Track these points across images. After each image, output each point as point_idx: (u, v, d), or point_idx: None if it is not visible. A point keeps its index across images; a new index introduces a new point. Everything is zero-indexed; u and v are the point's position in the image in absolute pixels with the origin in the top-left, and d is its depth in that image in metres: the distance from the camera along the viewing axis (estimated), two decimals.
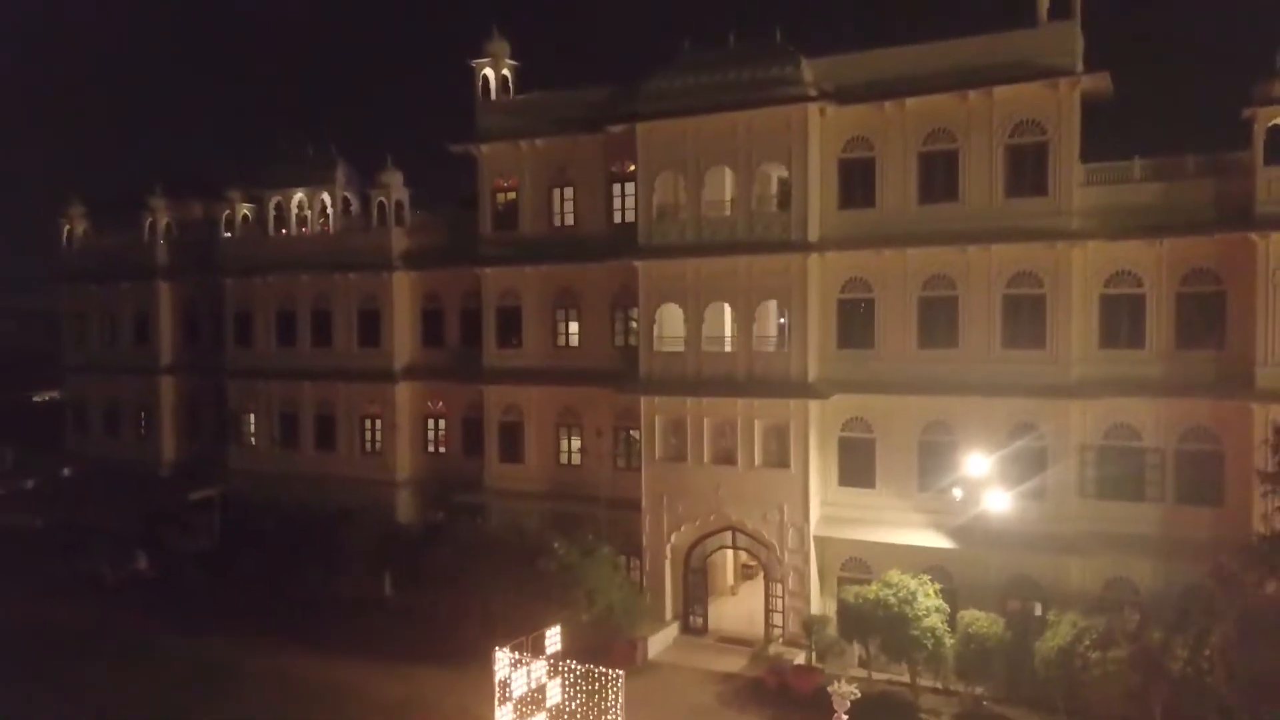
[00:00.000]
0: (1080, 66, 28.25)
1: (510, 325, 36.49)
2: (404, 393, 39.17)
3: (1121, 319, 28.17)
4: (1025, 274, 28.67)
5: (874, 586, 27.80)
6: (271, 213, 41.55)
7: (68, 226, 48.43)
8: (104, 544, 41.13)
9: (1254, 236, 25.98)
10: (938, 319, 29.79)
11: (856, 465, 30.87)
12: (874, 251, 30.14)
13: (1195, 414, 27.19)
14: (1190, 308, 27.47)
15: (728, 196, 31.91)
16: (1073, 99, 27.97)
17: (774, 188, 31.52)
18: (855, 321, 30.86)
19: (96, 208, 48.52)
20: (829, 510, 31.03)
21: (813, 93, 30.14)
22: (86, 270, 47.55)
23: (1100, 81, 28.25)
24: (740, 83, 30.92)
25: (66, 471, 47.71)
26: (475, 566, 32.35)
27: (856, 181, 30.72)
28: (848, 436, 31.00)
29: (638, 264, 32.50)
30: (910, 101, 29.51)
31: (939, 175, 29.66)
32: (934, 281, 29.79)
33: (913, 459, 30.07)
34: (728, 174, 31.61)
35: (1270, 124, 26.12)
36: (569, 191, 35.36)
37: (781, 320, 32.14)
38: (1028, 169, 28.61)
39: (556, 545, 30.82)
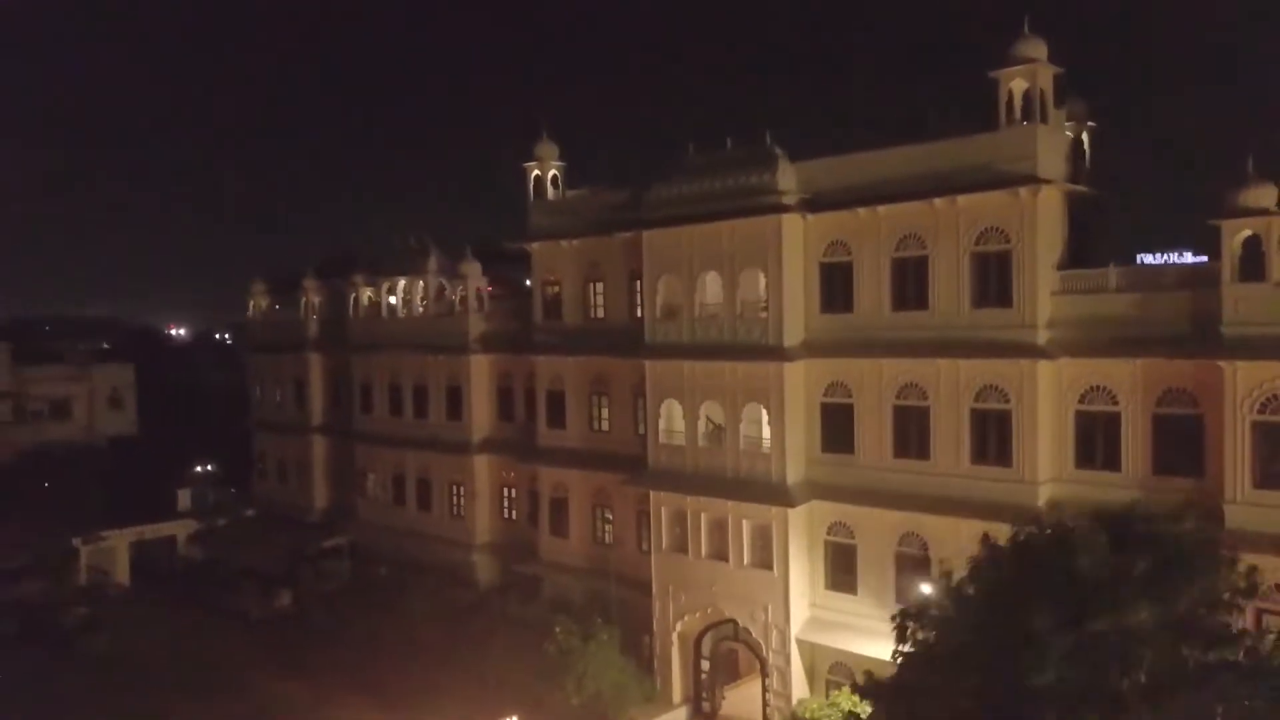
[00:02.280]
0: (1056, 171, 26.71)
1: (557, 408, 39.12)
2: (481, 464, 42.85)
3: (1097, 438, 26.31)
4: (992, 388, 27.42)
5: (814, 703, 27.79)
6: (384, 296, 46.82)
7: (252, 301, 56.74)
8: (254, 581, 48.23)
9: (1220, 362, 23.52)
10: (910, 429, 29.08)
11: (841, 570, 30.67)
12: (850, 359, 29.91)
13: None
14: (1167, 430, 25.23)
15: (720, 299, 32.69)
16: (1035, 206, 26.45)
17: (760, 292, 31.88)
18: (837, 426, 30.67)
19: (273, 284, 56.43)
20: (816, 613, 31.03)
21: (787, 201, 30.38)
22: (264, 340, 55.55)
23: (1062, 188, 26.54)
24: (726, 191, 31.69)
25: (250, 512, 55.81)
26: (506, 638, 35.46)
27: (837, 286, 30.58)
28: (832, 540, 30.85)
29: (645, 362, 34.07)
30: (882, 208, 29.05)
31: (910, 282, 28.98)
32: (907, 390, 29.10)
33: (889, 569, 29.51)
34: (718, 278, 32.40)
35: (1240, 236, 23.52)
36: (600, 286, 37.47)
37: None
38: (993, 278, 27.39)
39: (558, 629, 33.07)
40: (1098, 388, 26.19)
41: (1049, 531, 18.47)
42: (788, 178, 30.80)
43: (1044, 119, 26.92)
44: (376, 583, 45.80)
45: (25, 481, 58.09)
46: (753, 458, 31.64)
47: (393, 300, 46.75)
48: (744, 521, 31.62)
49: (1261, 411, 23.07)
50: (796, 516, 30.65)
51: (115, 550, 53.15)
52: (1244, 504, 23.32)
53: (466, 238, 45.19)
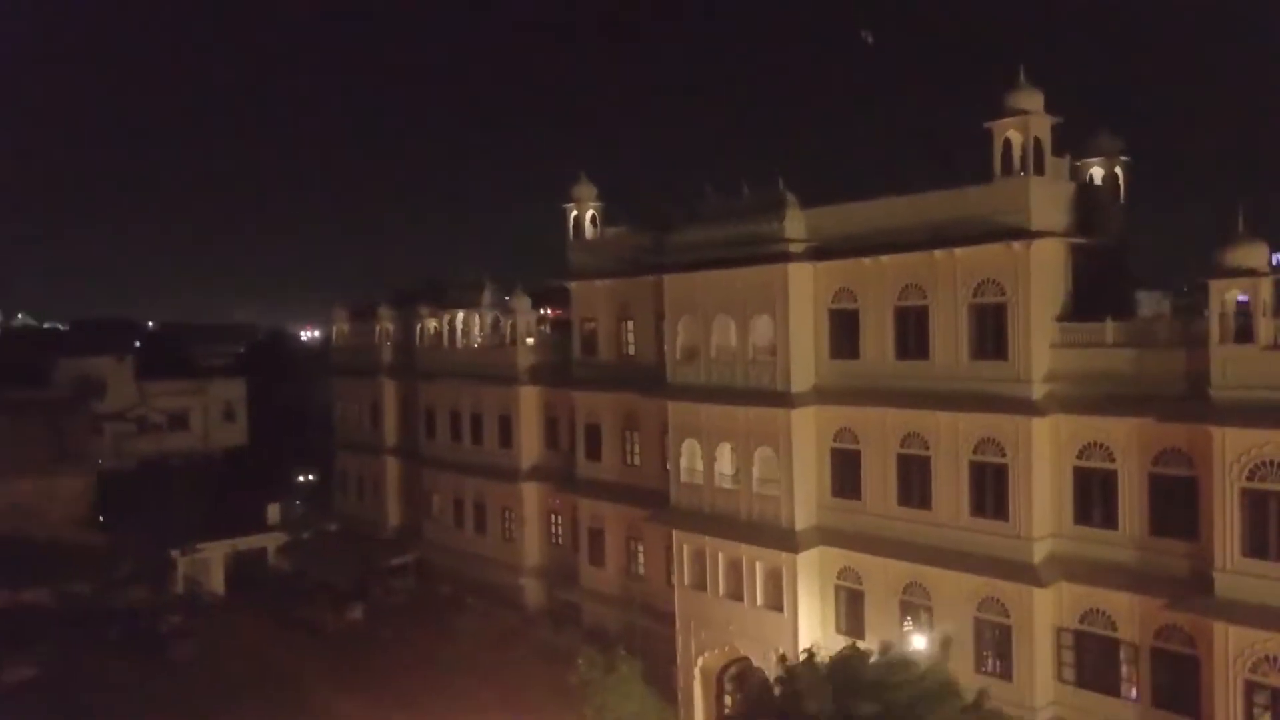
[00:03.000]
0: (1055, 222, 26.28)
1: (594, 441, 40.29)
2: (530, 491, 44.40)
3: (1095, 495, 25.75)
4: (989, 441, 27.12)
5: None
6: (445, 326, 48.95)
7: (335, 326, 59.96)
8: (330, 594, 51.08)
9: (1210, 427, 22.79)
10: (913, 478, 28.99)
11: (850, 614, 30.80)
12: (855, 407, 30.03)
13: (1169, 613, 24.21)
14: (1163, 491, 24.50)
15: (735, 343, 33.17)
16: (1028, 259, 26.05)
17: (771, 337, 32.19)
18: (846, 472, 30.78)
19: (353, 311, 59.47)
20: (829, 655, 31.19)
21: (794, 249, 30.67)
22: (343, 364, 58.67)
23: (1062, 239, 26.05)
24: (738, 238, 32.15)
25: (333, 527, 59.01)
26: (542, 664, 36.97)
27: (844, 332, 30.69)
28: (842, 585, 31.00)
29: (666, 402, 34.87)
30: (885, 257, 29.06)
31: (912, 331, 28.89)
32: (909, 440, 29.02)
33: (894, 617, 29.49)
34: (731, 322, 32.90)
35: (1229, 296, 22.73)
36: (631, 325, 38.42)
37: None
38: (989, 330, 27.08)
39: (580, 660, 34.22)
40: (1095, 444, 25.62)
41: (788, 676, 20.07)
42: (796, 225, 31.06)
43: (1040, 170, 26.47)
44: (438, 601, 48.14)
45: (143, 490, 62.77)
46: (765, 501, 32.01)
47: (453, 330, 48.80)
48: (756, 563, 32.08)
49: (1250, 478, 22.26)
50: (806, 561, 30.92)
51: (210, 561, 57.04)
52: (1233, 573, 22.54)
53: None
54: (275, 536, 59.53)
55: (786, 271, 30.67)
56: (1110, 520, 25.40)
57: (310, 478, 68.05)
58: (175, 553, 55.61)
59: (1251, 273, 22.20)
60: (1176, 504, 24.17)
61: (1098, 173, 31.42)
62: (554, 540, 44.41)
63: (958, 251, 27.26)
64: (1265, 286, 22.11)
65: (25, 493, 53.60)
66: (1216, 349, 22.78)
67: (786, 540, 30.90)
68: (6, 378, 71.75)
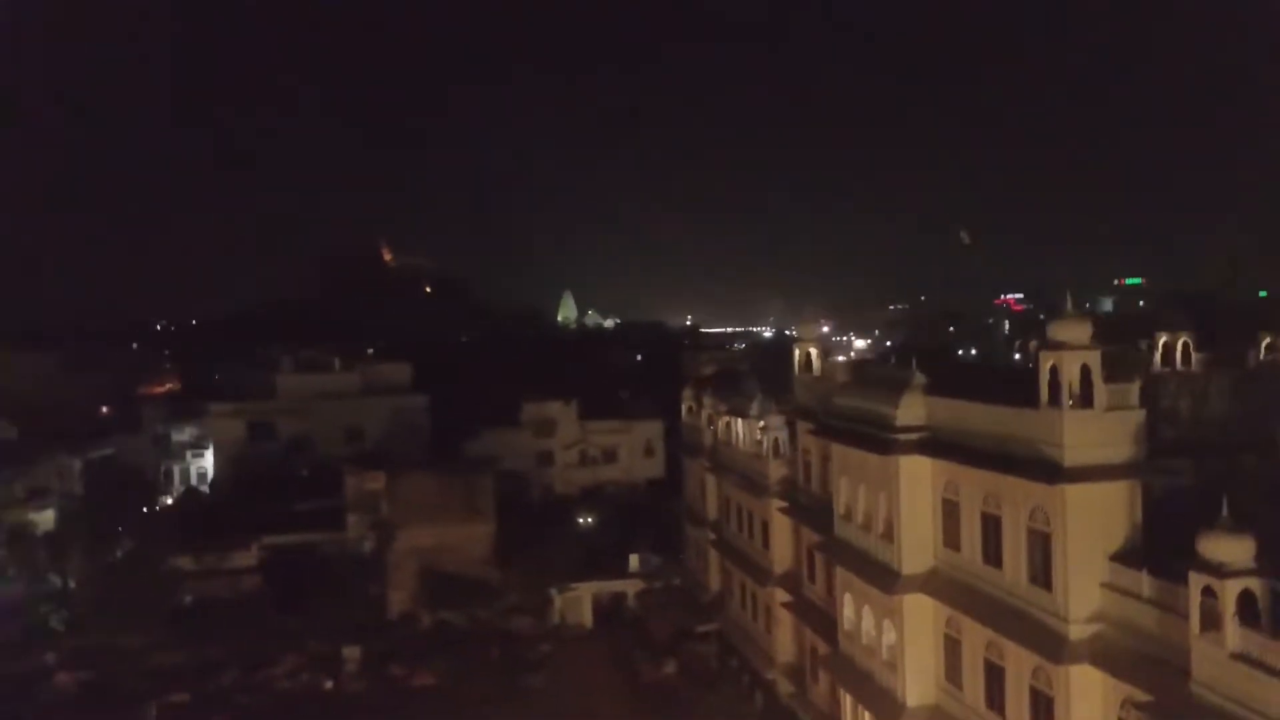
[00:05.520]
0: (1105, 456, 25.00)
1: (811, 564, 43.23)
2: (779, 595, 48.21)
3: None
4: (1040, 670, 26.35)
5: None
6: (731, 426, 54.37)
7: (685, 404, 68.02)
8: (652, 646, 59.19)
9: None
10: (994, 683, 28.75)
11: None
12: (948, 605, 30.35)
13: None
14: None
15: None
16: (1063, 497, 24.95)
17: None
18: (953, 658, 31.06)
19: (697, 390, 66.87)
20: None
21: (903, 439, 31.53)
22: (685, 441, 66.53)
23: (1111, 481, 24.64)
24: (868, 415, 33.62)
25: (677, 581, 67.20)
26: None
27: (951, 523, 30.90)
28: None
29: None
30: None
31: (990, 539, 28.60)
32: (991, 647, 28.79)
33: None
34: (866, 492, 34.33)
35: (1217, 588, 20.51)
36: (830, 465, 40.71)
37: None
38: (1039, 557, 26.26)
39: None
40: (1131, 701, 24.01)
41: None
42: (913, 411, 31.83)
43: (1087, 402, 25.06)
44: (726, 673, 53.94)
45: (536, 534, 76.32)
46: (892, 670, 33.27)
47: (733, 432, 54.06)
48: None
49: None
50: None
51: (581, 599, 68.51)
52: None
53: None
54: (635, 582, 69.42)
55: (897, 461, 31.70)
56: None
57: None
58: (553, 590, 67.96)
59: (1220, 569, 20.03)
60: None
61: None
62: (799, 645, 47.81)
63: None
64: (1234, 588, 19.81)
65: (448, 535, 69.30)
66: (1196, 642, 20.82)
67: (896, 717, 32.08)
68: (493, 418, 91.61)
